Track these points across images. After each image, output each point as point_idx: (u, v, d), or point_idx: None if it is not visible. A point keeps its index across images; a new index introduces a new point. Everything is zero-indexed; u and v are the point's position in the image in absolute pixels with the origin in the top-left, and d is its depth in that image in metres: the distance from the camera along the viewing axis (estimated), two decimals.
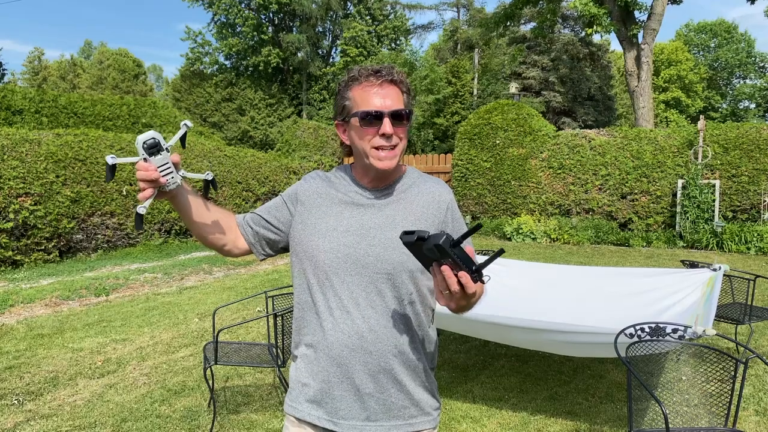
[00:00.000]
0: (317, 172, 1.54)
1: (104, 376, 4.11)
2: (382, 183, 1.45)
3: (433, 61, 23.54)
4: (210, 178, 1.41)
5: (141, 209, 1.34)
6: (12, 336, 5.04)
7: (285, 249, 1.52)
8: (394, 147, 1.36)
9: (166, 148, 1.28)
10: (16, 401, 3.64)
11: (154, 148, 1.27)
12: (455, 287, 1.08)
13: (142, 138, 1.26)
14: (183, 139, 1.37)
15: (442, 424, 3.32)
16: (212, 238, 1.45)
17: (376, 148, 1.36)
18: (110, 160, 1.29)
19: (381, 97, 1.35)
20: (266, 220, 1.49)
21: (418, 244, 1.10)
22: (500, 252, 1.06)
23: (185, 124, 1.34)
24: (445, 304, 1.15)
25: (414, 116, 1.55)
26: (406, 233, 1.13)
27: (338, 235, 1.39)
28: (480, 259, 1.10)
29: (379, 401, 1.36)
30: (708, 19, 51.42)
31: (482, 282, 1.10)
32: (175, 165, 1.31)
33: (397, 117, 1.36)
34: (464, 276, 1.08)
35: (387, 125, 1.34)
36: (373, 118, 1.34)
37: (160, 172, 1.28)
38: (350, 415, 1.37)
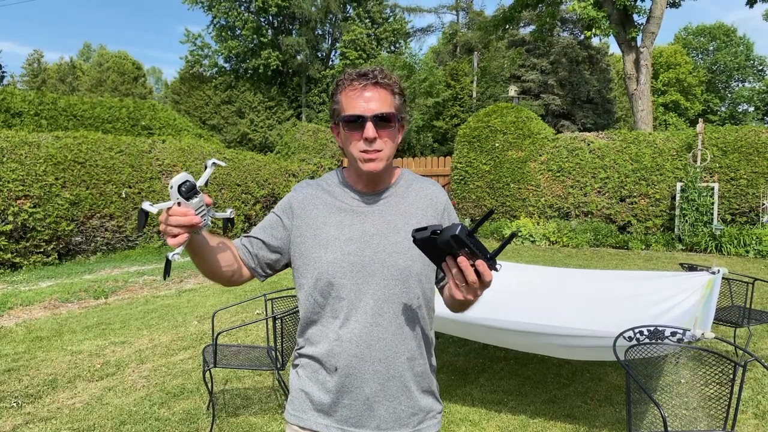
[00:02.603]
0: (306, 181, 1.51)
1: (103, 378, 4.11)
2: (376, 187, 1.43)
3: (432, 64, 23.54)
4: (232, 216, 1.36)
5: (175, 256, 1.21)
6: (11, 338, 5.03)
7: (287, 266, 1.48)
8: (379, 151, 1.34)
9: (199, 189, 1.21)
10: (14, 404, 3.64)
11: (191, 192, 1.18)
12: (473, 277, 1.08)
13: (176, 181, 1.17)
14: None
15: (441, 427, 3.31)
16: (222, 272, 1.39)
17: (362, 152, 1.34)
18: (153, 208, 1.18)
19: (365, 101, 1.33)
20: (263, 242, 1.44)
21: (433, 239, 1.09)
22: (512, 236, 1.06)
23: (214, 163, 1.28)
24: (462, 297, 1.13)
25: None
26: (417, 230, 1.12)
27: (341, 244, 1.36)
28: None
29: (388, 409, 1.35)
30: (707, 22, 51.52)
31: (495, 270, 1.09)
32: (207, 206, 1.24)
33: (382, 120, 1.34)
34: (481, 264, 1.07)
35: (369, 129, 1.31)
36: (356, 122, 1.33)
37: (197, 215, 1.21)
38: (360, 423, 1.35)
